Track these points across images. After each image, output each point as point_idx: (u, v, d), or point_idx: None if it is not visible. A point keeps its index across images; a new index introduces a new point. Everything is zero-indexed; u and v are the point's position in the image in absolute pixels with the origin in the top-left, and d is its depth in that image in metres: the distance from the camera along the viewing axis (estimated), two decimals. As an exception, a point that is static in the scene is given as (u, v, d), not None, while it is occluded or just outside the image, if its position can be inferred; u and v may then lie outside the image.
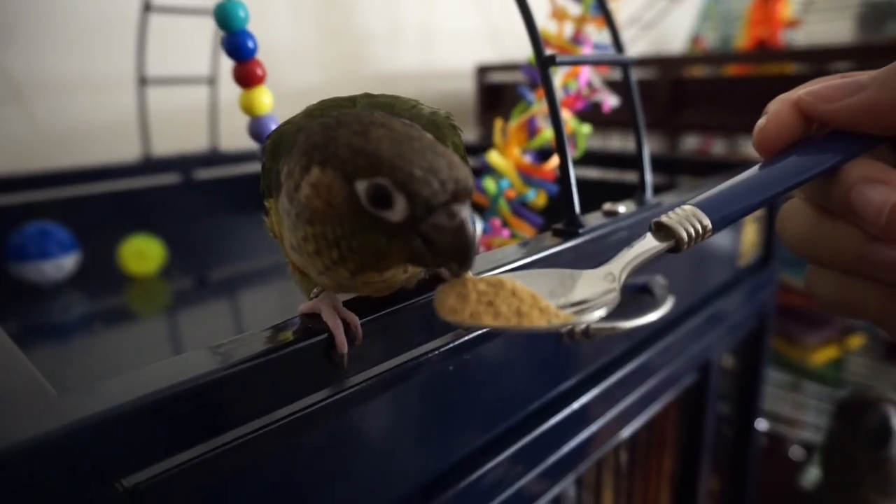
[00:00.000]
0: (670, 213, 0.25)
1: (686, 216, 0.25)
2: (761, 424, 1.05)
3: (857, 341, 1.24)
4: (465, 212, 0.24)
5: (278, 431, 0.27)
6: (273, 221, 0.31)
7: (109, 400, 0.21)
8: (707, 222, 0.25)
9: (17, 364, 0.24)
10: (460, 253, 0.24)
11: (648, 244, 0.25)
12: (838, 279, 0.25)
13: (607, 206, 0.46)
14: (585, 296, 0.25)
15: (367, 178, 0.24)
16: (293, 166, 0.26)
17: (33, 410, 0.21)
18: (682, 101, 1.10)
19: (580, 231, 0.41)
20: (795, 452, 1.12)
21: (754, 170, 0.26)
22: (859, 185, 0.23)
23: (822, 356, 1.22)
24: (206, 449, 0.24)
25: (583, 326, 0.43)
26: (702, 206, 0.25)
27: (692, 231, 0.24)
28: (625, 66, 0.47)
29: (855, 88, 0.24)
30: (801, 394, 1.28)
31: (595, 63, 0.64)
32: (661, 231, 0.25)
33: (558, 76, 0.67)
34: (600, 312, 0.23)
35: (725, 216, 0.25)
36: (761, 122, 0.26)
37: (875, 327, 0.25)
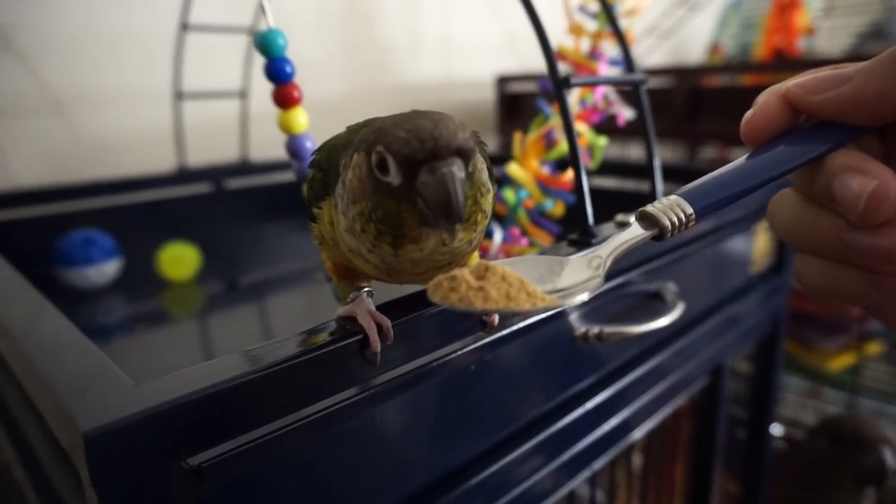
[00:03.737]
0: (655, 203, 0.26)
1: (670, 206, 0.25)
2: (776, 429, 1.06)
3: (874, 347, 1.24)
4: (448, 167, 0.26)
5: (315, 422, 0.30)
6: (321, 226, 0.34)
7: (180, 389, 0.24)
8: (690, 211, 0.25)
9: (96, 357, 0.28)
10: (441, 205, 0.26)
11: (634, 232, 0.27)
12: (822, 266, 0.26)
13: (620, 216, 0.48)
14: (571, 281, 0.26)
15: (373, 149, 0.27)
16: (347, 159, 0.30)
17: (115, 397, 0.24)
18: (700, 110, 1.12)
19: (593, 241, 0.43)
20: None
21: (740, 160, 0.26)
22: (840, 174, 0.24)
23: (840, 362, 1.23)
24: (256, 435, 0.28)
25: (596, 330, 0.45)
26: (685, 195, 0.26)
27: (675, 220, 0.25)
28: (636, 85, 0.50)
29: (840, 80, 0.24)
30: (821, 400, 1.29)
31: (608, 83, 0.67)
32: (646, 220, 0.26)
33: (575, 90, 0.69)
34: (583, 296, 0.25)
35: (708, 205, 0.26)
36: (749, 113, 0.27)
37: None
